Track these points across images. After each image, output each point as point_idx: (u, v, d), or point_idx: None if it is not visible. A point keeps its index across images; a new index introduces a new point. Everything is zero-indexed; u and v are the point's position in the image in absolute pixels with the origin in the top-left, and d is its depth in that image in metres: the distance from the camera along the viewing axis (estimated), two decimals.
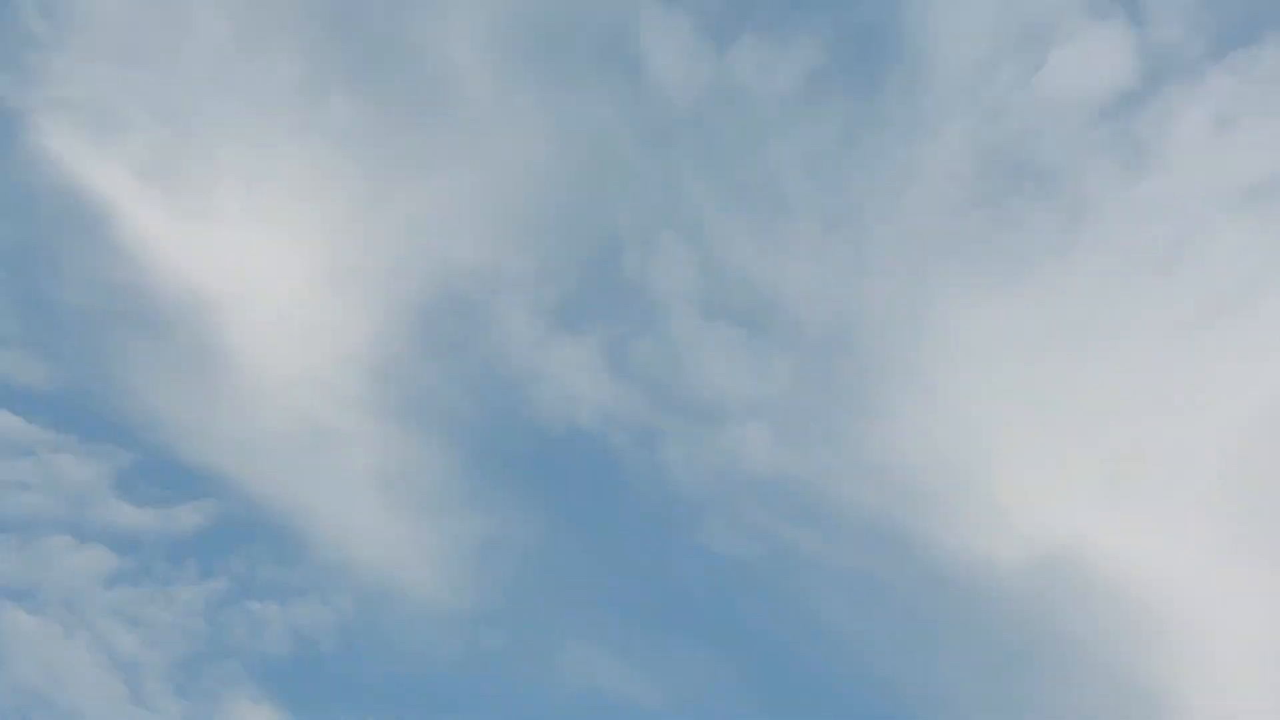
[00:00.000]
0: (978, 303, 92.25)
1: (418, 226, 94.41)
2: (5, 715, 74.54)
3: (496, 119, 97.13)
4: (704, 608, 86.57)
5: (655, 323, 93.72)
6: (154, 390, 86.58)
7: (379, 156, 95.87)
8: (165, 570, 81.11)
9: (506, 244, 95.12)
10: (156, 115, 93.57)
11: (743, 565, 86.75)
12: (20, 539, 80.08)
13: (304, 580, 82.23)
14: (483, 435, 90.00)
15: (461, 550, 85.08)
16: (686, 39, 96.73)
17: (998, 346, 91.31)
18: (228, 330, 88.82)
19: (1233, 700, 78.02)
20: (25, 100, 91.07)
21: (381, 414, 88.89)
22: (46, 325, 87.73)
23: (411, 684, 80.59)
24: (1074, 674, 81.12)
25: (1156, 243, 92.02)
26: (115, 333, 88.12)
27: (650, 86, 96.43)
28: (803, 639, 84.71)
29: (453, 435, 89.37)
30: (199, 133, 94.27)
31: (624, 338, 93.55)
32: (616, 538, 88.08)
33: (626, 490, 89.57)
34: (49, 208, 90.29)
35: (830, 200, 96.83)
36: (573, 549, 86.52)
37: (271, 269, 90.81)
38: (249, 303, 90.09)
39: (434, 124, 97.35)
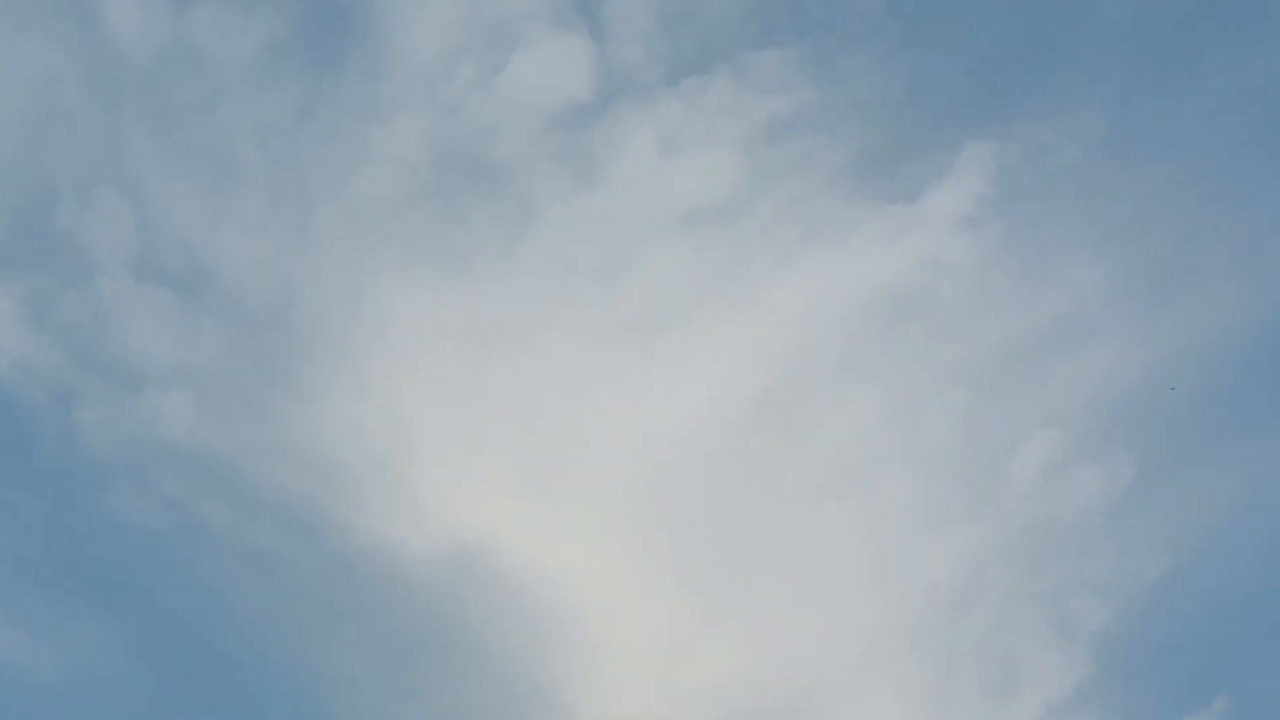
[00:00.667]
0: (418, 292, 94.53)
1: None
2: None
3: None
4: (107, 576, 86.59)
5: (84, 279, 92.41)
6: None
7: None
8: None
9: None
10: None
11: (153, 536, 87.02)
12: None
13: None
14: None
15: None
16: None
17: (433, 337, 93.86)
18: None
19: (618, 699, 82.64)
20: None
21: None
22: None
23: None
24: (472, 667, 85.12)
25: (597, 253, 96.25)
26: None
27: (104, 37, 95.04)
28: (208, 615, 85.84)
29: None
30: None
31: (49, 291, 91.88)
32: (21, 497, 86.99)
33: (36, 449, 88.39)
34: None
35: (280, 173, 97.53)
36: None
37: None
38: None
39: None
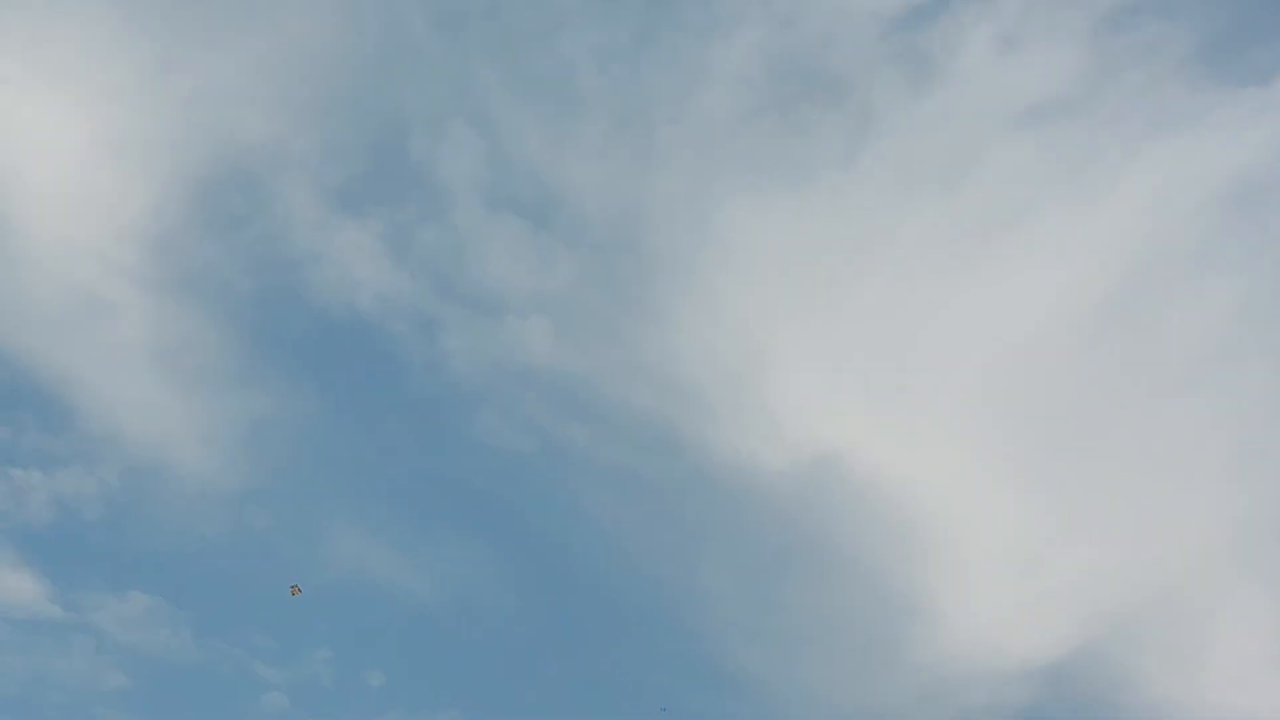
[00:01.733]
0: (761, 208, 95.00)
1: (202, 99, 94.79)
2: None
3: None
4: (475, 498, 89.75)
5: (440, 211, 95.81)
6: None
7: (166, 25, 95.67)
8: None
9: (292, 121, 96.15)
10: None
11: (515, 458, 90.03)
12: None
13: (69, 450, 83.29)
14: (260, 313, 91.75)
15: (233, 428, 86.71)
16: None
17: (778, 253, 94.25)
18: (2, 191, 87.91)
19: (981, 604, 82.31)
20: None
21: (156, 287, 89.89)
22: None
23: (176, 558, 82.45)
24: (835, 576, 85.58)
25: (938, 157, 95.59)
26: None
27: None
28: (570, 533, 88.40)
29: (229, 312, 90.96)
30: None
31: (407, 224, 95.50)
32: (390, 425, 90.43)
33: (403, 378, 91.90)
34: None
35: (621, 97, 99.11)
36: (347, 434, 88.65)
37: (50, 134, 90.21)
38: (24, 167, 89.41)
39: None
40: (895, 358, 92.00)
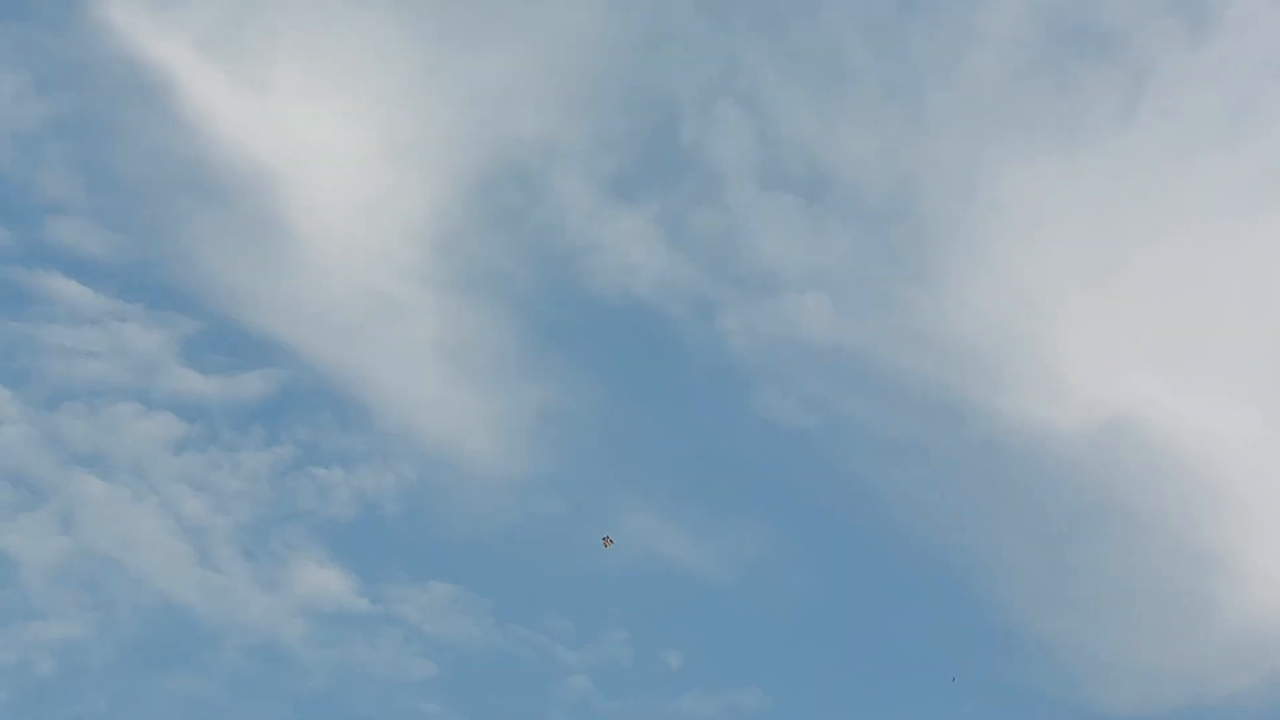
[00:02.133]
0: (1037, 169, 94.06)
1: (475, 98, 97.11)
2: (76, 578, 78.30)
3: None
4: (760, 476, 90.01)
5: (712, 192, 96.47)
6: (217, 260, 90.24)
7: (436, 28, 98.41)
8: (231, 437, 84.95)
9: (564, 115, 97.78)
10: None
11: (798, 434, 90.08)
12: (89, 406, 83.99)
13: (367, 447, 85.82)
14: (541, 305, 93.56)
15: (521, 418, 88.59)
16: None
17: (1056, 213, 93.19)
18: (289, 201, 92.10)
19: None
20: None
21: (441, 284, 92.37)
22: (110, 195, 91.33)
23: (473, 547, 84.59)
24: (1131, 539, 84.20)
25: (1218, 109, 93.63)
26: (178, 203, 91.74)
27: None
28: (858, 507, 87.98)
29: (511, 305, 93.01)
30: (258, 5, 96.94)
31: (681, 207, 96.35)
32: (673, 407, 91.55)
33: (683, 360, 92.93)
34: (111, 78, 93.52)
35: (889, 67, 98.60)
36: (631, 419, 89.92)
37: (331, 141, 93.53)
38: (309, 174, 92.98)
39: None
40: (1185, 313, 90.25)
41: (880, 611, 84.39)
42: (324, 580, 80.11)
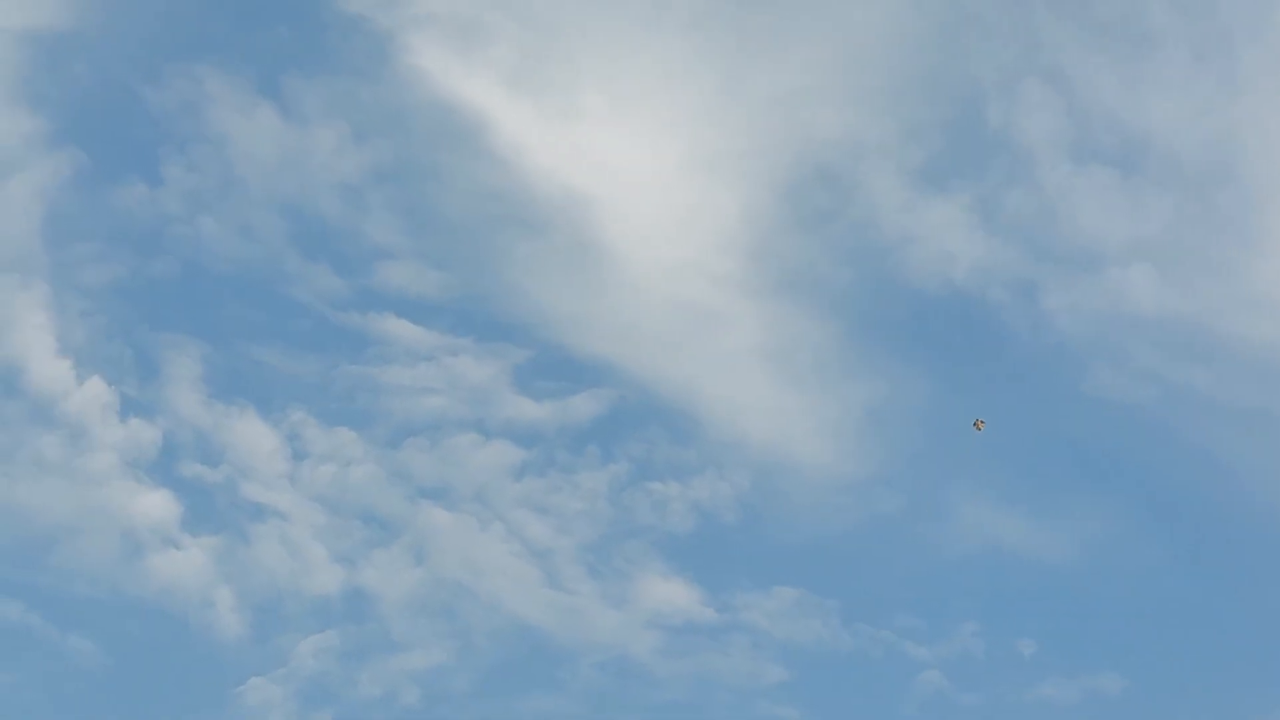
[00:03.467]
0: None
1: (776, 104, 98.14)
2: (432, 608, 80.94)
3: None
4: (1097, 456, 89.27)
5: (1024, 173, 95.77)
6: (540, 288, 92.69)
7: (730, 39, 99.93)
8: (567, 459, 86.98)
9: (867, 111, 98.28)
10: (517, 23, 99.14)
11: (1134, 410, 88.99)
12: (430, 440, 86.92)
13: (700, 458, 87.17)
14: (860, 303, 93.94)
15: (849, 417, 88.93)
16: None
17: None
18: (603, 224, 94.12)
19: None
20: (393, 21, 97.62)
21: (758, 291, 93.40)
22: (433, 236, 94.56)
23: (812, 550, 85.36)
24: None
25: None
26: (498, 237, 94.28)
27: None
28: (1203, 482, 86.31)
29: (830, 306, 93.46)
30: (558, 36, 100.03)
31: (993, 191, 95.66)
32: (1003, 393, 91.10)
33: (1008, 344, 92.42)
34: (425, 122, 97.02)
35: (1197, 27, 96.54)
36: (961, 408, 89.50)
37: (639, 161, 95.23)
38: (621, 196, 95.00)
39: (782, 2, 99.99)
40: None
41: (1234, 586, 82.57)
42: (669, 593, 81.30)
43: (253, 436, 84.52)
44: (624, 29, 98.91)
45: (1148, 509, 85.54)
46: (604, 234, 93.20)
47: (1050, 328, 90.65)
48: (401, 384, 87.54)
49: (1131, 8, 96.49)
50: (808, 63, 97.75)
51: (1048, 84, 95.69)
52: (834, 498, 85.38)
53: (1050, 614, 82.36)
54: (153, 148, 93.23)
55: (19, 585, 77.03)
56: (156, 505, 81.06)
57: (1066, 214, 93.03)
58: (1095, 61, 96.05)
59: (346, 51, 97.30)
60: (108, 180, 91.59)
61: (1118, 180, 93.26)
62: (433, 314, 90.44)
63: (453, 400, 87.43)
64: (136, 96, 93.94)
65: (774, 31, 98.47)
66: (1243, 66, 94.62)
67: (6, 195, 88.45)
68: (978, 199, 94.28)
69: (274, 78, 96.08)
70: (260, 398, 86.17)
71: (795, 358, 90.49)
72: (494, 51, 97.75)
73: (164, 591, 78.66)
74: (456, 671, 78.27)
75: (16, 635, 75.33)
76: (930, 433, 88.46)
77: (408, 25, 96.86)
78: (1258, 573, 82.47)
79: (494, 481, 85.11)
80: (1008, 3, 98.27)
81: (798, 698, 78.33)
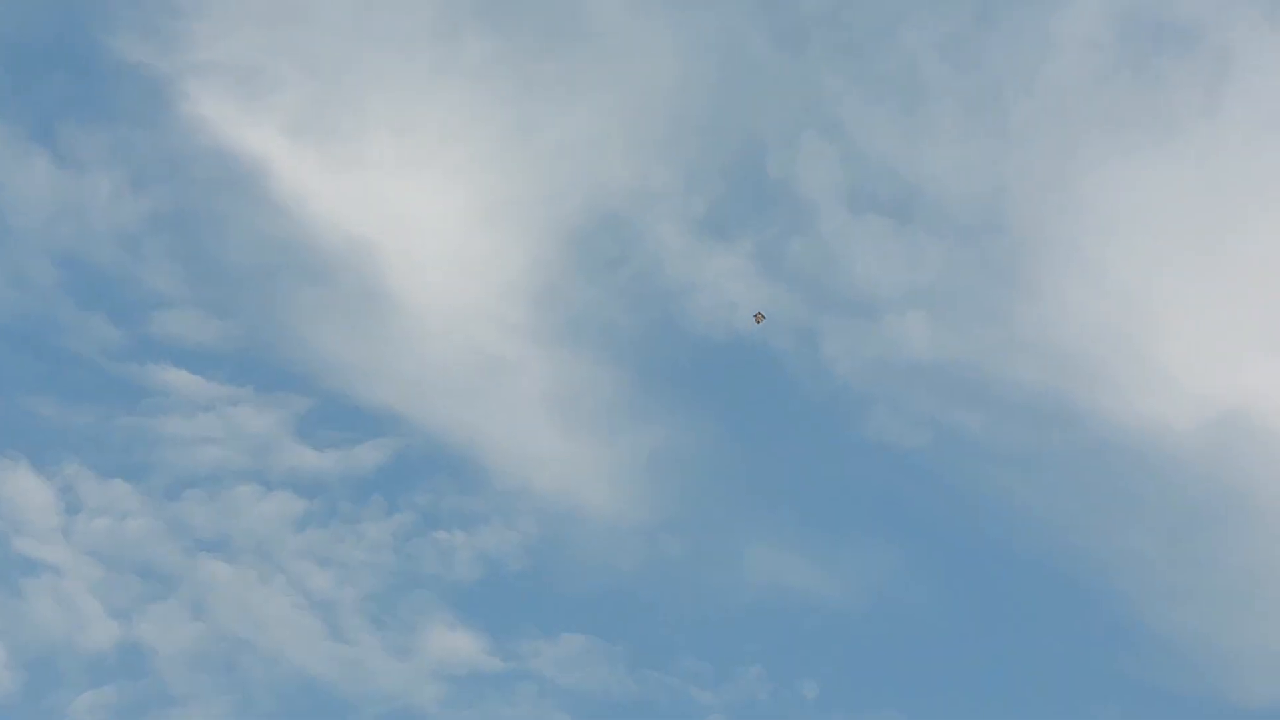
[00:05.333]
0: (1126, 167, 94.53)
1: (564, 153, 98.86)
2: (211, 663, 79.87)
3: (630, 39, 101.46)
4: (876, 499, 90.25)
5: (804, 222, 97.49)
6: (324, 337, 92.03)
7: (519, 88, 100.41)
8: (351, 509, 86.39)
9: (652, 160, 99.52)
10: (301, 71, 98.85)
11: (911, 454, 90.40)
12: (209, 491, 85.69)
13: (487, 507, 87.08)
14: (645, 350, 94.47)
15: (636, 464, 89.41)
16: None
17: (1150, 209, 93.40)
18: (389, 273, 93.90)
19: None
20: (173, 68, 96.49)
21: (545, 338, 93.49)
22: (213, 284, 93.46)
23: (600, 596, 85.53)
24: (1255, 530, 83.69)
25: None
26: (281, 285, 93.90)
27: None
28: (978, 522, 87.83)
29: (616, 353, 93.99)
30: (344, 83, 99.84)
31: (774, 240, 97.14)
32: (784, 438, 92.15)
33: (789, 390, 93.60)
34: (205, 170, 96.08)
35: (969, 81, 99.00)
36: (743, 453, 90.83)
37: (426, 209, 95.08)
38: (407, 243, 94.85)
39: (570, 51, 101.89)
40: None
41: (1011, 623, 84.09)
42: (455, 643, 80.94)
43: (25, 489, 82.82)
44: (412, 76, 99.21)
45: (926, 549, 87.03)
46: (389, 282, 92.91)
47: (830, 374, 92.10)
48: (180, 435, 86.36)
49: (906, 61, 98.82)
50: (595, 112, 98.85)
51: (826, 135, 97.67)
52: (620, 544, 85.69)
53: (834, 656, 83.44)
54: None
55: None
56: None
57: (844, 262, 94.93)
58: (871, 113, 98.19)
59: (124, 99, 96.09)
60: None
61: (893, 229, 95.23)
62: (212, 363, 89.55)
63: (233, 451, 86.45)
64: None
65: (562, 80, 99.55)
66: (1012, 119, 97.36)
67: None
68: (759, 247, 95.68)
69: (48, 125, 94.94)
70: (33, 450, 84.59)
71: (581, 405, 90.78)
72: (277, 98, 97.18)
73: None
74: None
75: None
76: (716, 478, 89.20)
77: (188, 72, 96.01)
78: (1031, 607, 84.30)
79: (275, 533, 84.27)
80: (788, 55, 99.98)
81: None
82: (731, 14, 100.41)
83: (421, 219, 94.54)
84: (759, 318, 79.90)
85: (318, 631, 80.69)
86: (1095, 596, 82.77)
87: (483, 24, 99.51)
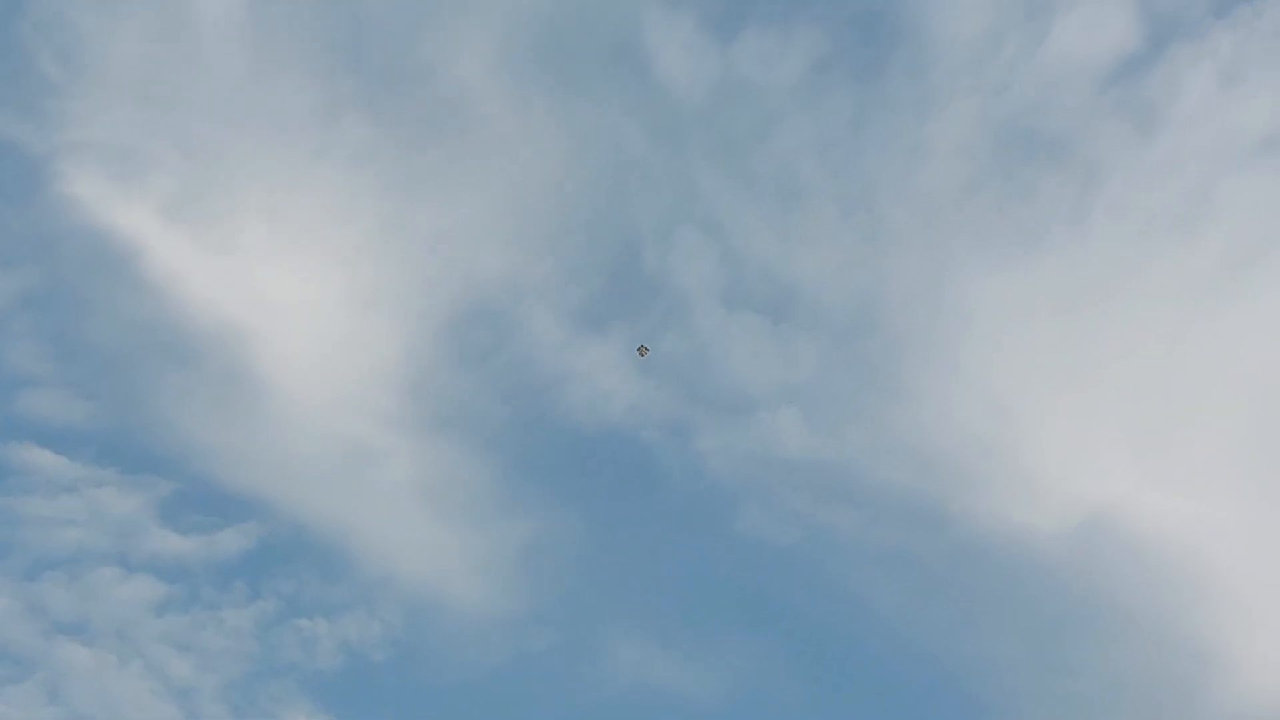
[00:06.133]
0: (996, 274, 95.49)
1: (441, 242, 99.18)
2: None
3: (512, 131, 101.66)
4: (747, 596, 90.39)
5: (680, 317, 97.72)
6: (191, 420, 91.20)
7: (398, 176, 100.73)
8: (213, 595, 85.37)
9: (529, 252, 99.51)
10: (177, 152, 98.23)
11: (782, 551, 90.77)
12: (69, 574, 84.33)
13: (351, 595, 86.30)
14: (517, 441, 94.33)
15: (505, 555, 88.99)
16: (690, 37, 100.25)
17: (1019, 317, 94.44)
18: (260, 357, 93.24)
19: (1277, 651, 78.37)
20: (47, 146, 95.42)
21: (417, 427, 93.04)
22: (81, 365, 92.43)
23: (463, 689, 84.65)
24: (1118, 636, 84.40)
25: (1171, 202, 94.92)
26: (149, 367, 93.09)
27: (658, 85, 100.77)
28: (846, 620, 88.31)
29: (488, 443, 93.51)
30: (220, 166, 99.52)
31: (650, 334, 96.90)
32: (656, 532, 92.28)
33: (663, 484, 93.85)
34: (76, 250, 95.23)
35: (844, 184, 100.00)
36: (614, 546, 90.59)
37: (300, 294, 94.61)
38: (278, 329, 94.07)
39: (451, 141, 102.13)
40: (1154, 405, 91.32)
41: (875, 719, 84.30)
42: None
43: None
44: (289, 162, 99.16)
45: (795, 646, 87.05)
46: (260, 366, 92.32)
47: (702, 469, 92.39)
48: (41, 515, 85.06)
49: (784, 163, 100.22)
50: (472, 202, 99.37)
51: (703, 232, 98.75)
52: (486, 636, 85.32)
53: None
54: None
55: None
56: None
57: (719, 358, 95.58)
58: (749, 212, 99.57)
59: None
60: None
61: (768, 327, 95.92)
62: (77, 444, 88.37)
63: (94, 533, 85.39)
64: None
65: (440, 170, 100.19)
66: (886, 222, 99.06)
67: None
68: (634, 341, 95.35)
69: None
70: None
71: (451, 494, 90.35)
72: (153, 180, 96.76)
73: None
74: None
75: None
76: (584, 571, 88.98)
77: (62, 151, 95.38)
78: (896, 704, 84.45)
79: (135, 617, 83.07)
80: (667, 152, 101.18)
81: None
82: (613, 111, 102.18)
83: (295, 304, 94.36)
84: (642, 350, 79.92)
85: (175, 719, 79.54)
86: (960, 696, 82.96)
87: (364, 111, 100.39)
